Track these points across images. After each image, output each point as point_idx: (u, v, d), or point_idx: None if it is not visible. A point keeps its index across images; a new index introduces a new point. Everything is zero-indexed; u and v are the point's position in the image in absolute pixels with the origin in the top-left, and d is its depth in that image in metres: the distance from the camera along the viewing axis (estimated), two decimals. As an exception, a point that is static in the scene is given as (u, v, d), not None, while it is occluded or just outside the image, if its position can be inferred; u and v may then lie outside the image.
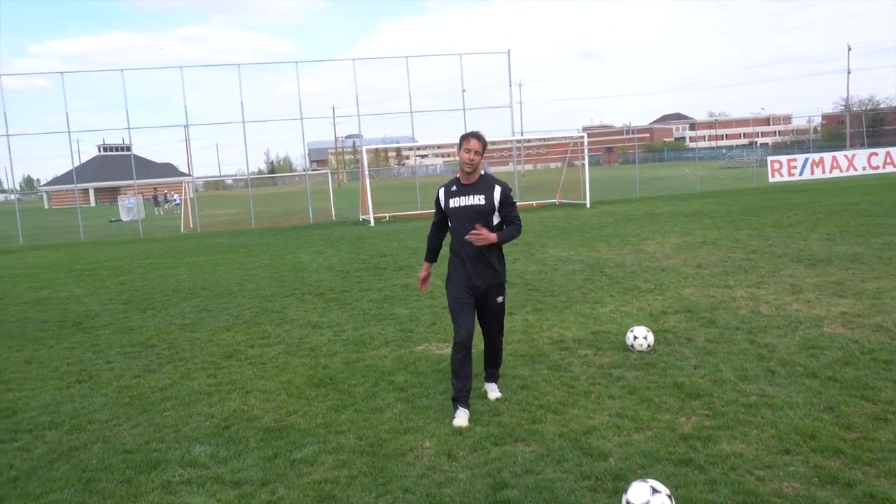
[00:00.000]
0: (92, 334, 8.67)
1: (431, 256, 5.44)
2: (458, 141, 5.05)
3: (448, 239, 5.34)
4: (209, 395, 5.95)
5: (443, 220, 5.24)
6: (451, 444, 4.58)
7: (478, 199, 5.01)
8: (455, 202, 5.06)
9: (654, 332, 6.62)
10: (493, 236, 4.98)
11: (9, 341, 8.59)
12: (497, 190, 5.04)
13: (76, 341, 8.34)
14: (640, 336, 6.34)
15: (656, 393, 5.29)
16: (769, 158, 34.71)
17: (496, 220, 5.10)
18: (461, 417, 4.93)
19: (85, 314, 10.08)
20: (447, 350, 6.88)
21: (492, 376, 5.53)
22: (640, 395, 5.27)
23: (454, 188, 5.10)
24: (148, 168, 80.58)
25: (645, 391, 5.33)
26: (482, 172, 5.13)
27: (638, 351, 6.31)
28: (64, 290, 12.66)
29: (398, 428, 4.93)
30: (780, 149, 73.37)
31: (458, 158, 5.04)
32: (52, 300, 11.63)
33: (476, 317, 5.20)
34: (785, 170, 32.36)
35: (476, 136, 4.98)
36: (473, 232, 4.95)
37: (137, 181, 34.82)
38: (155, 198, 52.86)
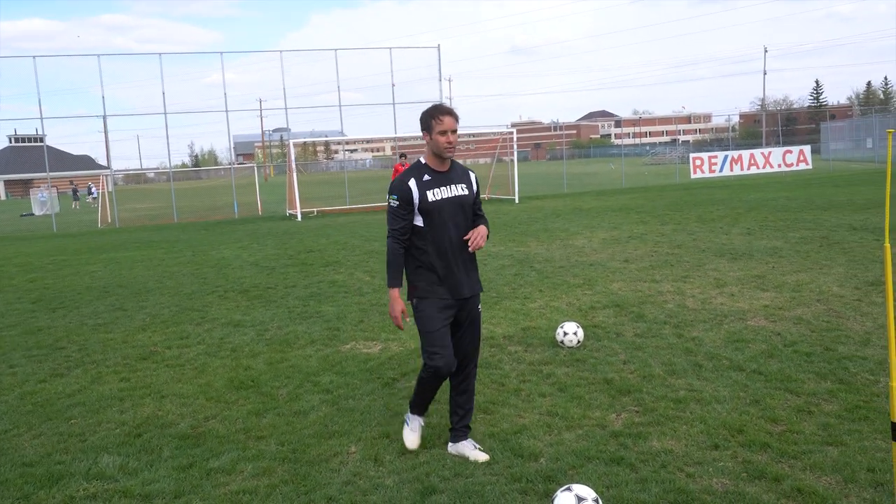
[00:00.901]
0: (-6, 336, 8.11)
1: (400, 277, 4.15)
2: (422, 120, 4.09)
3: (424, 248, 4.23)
4: (121, 401, 5.59)
5: (410, 223, 4.10)
6: (377, 449, 4.40)
7: (461, 189, 4.16)
8: (435, 194, 4.06)
9: (584, 328, 6.59)
10: (484, 233, 4.16)
11: None
12: (472, 176, 4.28)
13: (-24, 344, 7.77)
14: (570, 332, 6.29)
15: (587, 390, 5.24)
16: (691, 155, 35.67)
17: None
18: (414, 435, 4.42)
19: (-12, 315, 9.44)
20: (375, 349, 6.70)
21: (465, 430, 4.35)
22: (570, 392, 5.20)
23: (427, 177, 4.08)
24: (64, 160, 77.16)
25: (575, 388, 5.27)
26: None
27: (568, 347, 6.26)
28: (-34, 290, 11.86)
29: (322, 432, 4.72)
30: (700, 146, 75.77)
31: (434, 140, 4.04)
32: (-48, 300, 10.87)
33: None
34: (706, 166, 33.30)
35: (451, 112, 4.07)
36: (474, 234, 4.09)
37: (52, 174, 33.19)
38: (74, 191, 50.66)
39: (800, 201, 18.43)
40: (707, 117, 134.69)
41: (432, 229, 4.09)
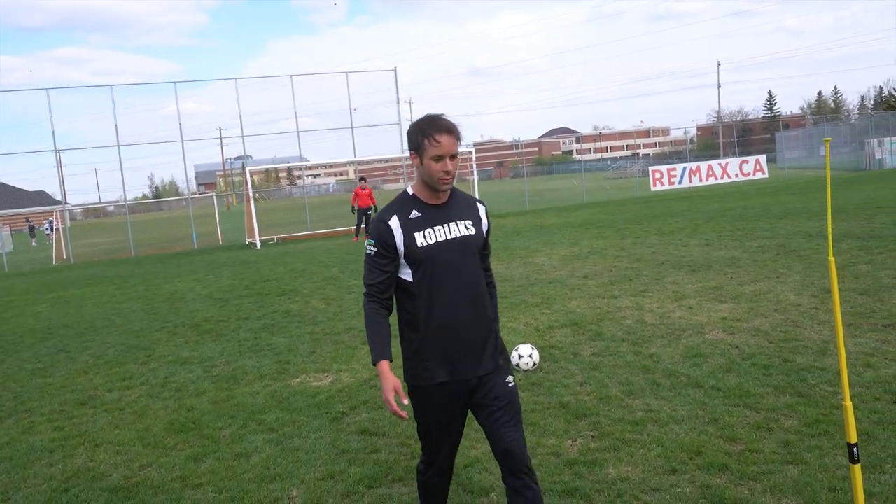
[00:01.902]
0: (-75, 386, 7.67)
1: (387, 347, 2.98)
2: (411, 137, 2.94)
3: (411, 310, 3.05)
4: (51, 453, 5.25)
5: (393, 275, 3.00)
6: (320, 491, 4.15)
7: (465, 227, 3.00)
8: (427, 237, 2.93)
9: (541, 349, 6.41)
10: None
11: None
12: (481, 209, 3.12)
13: None
14: (525, 355, 6.08)
15: (542, 416, 5.05)
16: (650, 168, 36.04)
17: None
18: None
19: (-78, 363, 8.97)
20: (326, 381, 6.44)
21: None
22: (525, 419, 5.00)
23: (416, 214, 2.96)
24: (18, 197, 75.58)
25: (530, 414, 5.08)
26: None
27: (524, 370, 6.06)
28: None
29: (264, 475, 4.45)
30: (660, 159, 76.81)
31: (425, 167, 2.90)
32: None
33: (477, 420, 3.11)
34: (665, 179, 33.64)
35: (450, 129, 2.89)
36: None
37: (3, 211, 32.31)
38: (31, 227, 49.49)
39: (757, 210, 18.58)
40: (665, 130, 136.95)
41: (425, 286, 2.95)
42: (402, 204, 3.00)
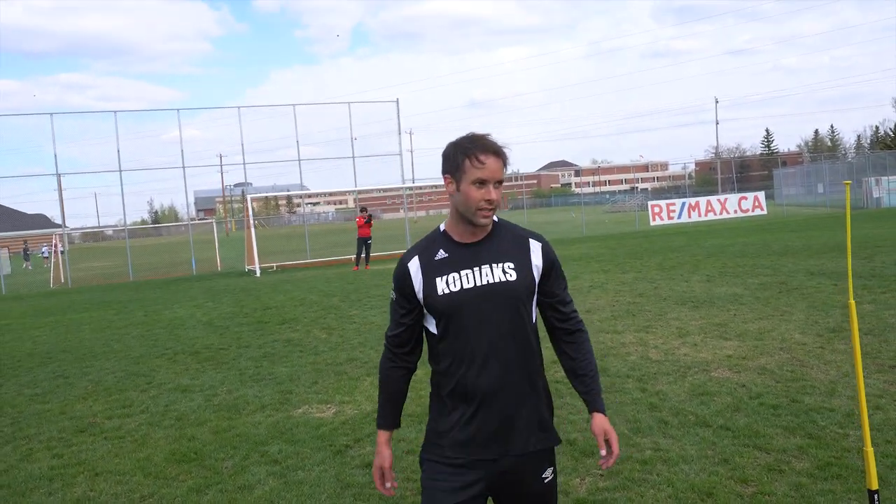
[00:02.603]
0: (-78, 410, 7.58)
1: (393, 414, 2.58)
2: (449, 157, 2.41)
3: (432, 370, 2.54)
4: (50, 481, 5.17)
5: (414, 327, 2.53)
6: (325, 527, 4.08)
7: (501, 271, 2.42)
8: (449, 283, 2.41)
9: (546, 384, 6.35)
10: (615, 439, 2.42)
11: None
12: (535, 247, 2.49)
13: None
14: (531, 389, 6.04)
15: (549, 452, 4.98)
16: (650, 203, 36.22)
17: (534, 309, 2.51)
18: None
19: (-82, 386, 8.87)
20: (329, 413, 6.37)
21: None
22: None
23: (442, 255, 2.45)
24: (18, 220, 75.64)
25: (537, 451, 5.01)
26: (495, 218, 2.50)
27: (529, 405, 6.01)
28: None
29: (267, 509, 4.38)
30: (658, 194, 77.17)
31: (462, 194, 2.39)
32: None
33: None
34: (665, 213, 33.79)
35: (497, 150, 2.37)
36: (606, 441, 2.41)
37: (3, 234, 32.29)
38: (25, 251, 49.38)
39: (757, 246, 18.62)
40: (664, 165, 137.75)
41: (448, 341, 2.44)
42: (429, 242, 2.50)
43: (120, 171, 27.74)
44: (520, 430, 2.40)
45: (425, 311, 2.47)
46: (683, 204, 34.09)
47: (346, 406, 6.54)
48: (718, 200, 34.56)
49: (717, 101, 76.65)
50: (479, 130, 2.38)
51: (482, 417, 2.37)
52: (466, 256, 2.42)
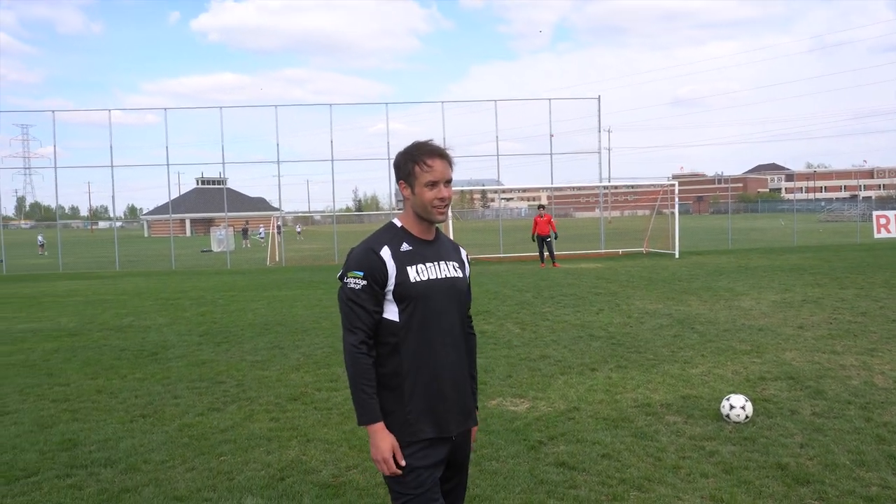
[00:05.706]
0: (164, 366, 8.62)
1: (376, 404, 2.67)
2: (399, 166, 2.74)
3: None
4: (269, 441, 5.67)
5: (379, 315, 2.68)
6: (520, 520, 4.11)
7: (454, 269, 2.79)
8: (420, 272, 2.68)
9: (753, 402, 5.96)
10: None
11: (85, 368, 8.62)
12: (463, 254, 2.94)
13: (148, 372, 8.28)
14: (738, 406, 5.70)
15: (756, 474, 4.67)
16: (874, 213, 32.76)
17: None
18: None
19: (161, 344, 10.10)
20: (522, 407, 6.41)
21: None
22: (737, 475, 4.66)
23: (406, 247, 2.71)
24: (241, 201, 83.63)
25: (743, 471, 4.72)
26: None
27: (734, 422, 5.68)
28: (146, 319, 12.84)
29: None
30: (884, 203, 69.60)
31: (417, 196, 2.70)
32: (134, 328, 11.78)
33: None
34: (893, 225, 30.42)
35: (442, 153, 2.71)
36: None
37: (229, 213, 35.89)
38: (245, 230, 54.44)
39: None
40: (893, 172, 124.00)
41: (413, 326, 2.65)
42: (392, 235, 2.72)
43: (332, 160, 29.71)
44: (469, 411, 2.83)
45: (389, 298, 2.66)
46: (916, 216, 30.46)
47: (539, 402, 6.55)
48: (961, 214, 30.49)
49: (964, 102, 67.69)
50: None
51: (447, 396, 2.69)
52: (428, 251, 2.74)
